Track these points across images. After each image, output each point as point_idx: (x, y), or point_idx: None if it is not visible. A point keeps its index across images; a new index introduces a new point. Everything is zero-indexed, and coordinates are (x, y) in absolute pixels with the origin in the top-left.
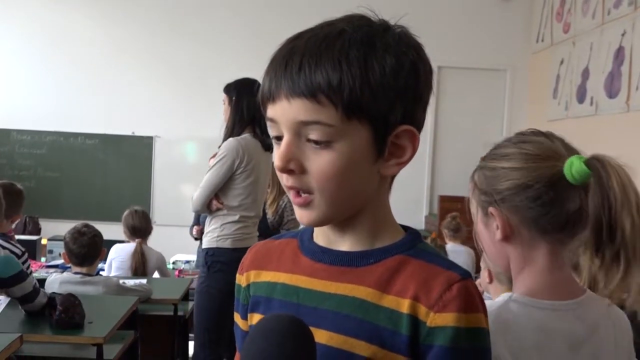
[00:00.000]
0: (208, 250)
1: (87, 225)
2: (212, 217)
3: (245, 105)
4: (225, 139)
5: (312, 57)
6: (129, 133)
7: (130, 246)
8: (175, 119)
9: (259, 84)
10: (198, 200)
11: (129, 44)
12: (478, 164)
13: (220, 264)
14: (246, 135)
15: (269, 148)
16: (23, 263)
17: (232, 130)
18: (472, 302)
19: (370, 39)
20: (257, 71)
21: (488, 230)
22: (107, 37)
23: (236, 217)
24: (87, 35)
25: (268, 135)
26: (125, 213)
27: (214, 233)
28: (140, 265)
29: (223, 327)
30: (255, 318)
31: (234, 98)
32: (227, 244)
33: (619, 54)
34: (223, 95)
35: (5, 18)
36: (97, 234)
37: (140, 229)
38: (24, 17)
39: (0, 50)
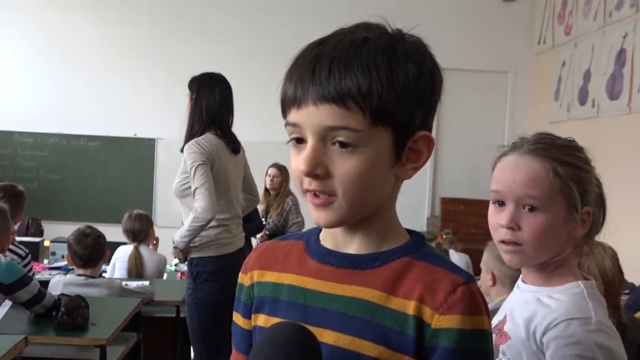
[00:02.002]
0: (192, 260)
1: (90, 227)
2: None
3: (204, 104)
4: (186, 140)
5: (340, 63)
6: (131, 135)
7: (131, 248)
8: (177, 121)
9: (223, 81)
10: (209, 206)
11: (131, 46)
12: (553, 150)
13: (206, 273)
14: (208, 135)
15: (234, 151)
16: (26, 265)
17: (192, 129)
18: (476, 304)
19: (392, 46)
20: (257, 72)
21: (564, 224)
22: (110, 40)
23: (214, 222)
24: (89, 37)
25: (231, 139)
26: (125, 216)
27: (196, 242)
28: (134, 268)
29: (220, 336)
30: (260, 319)
31: (193, 96)
32: (210, 252)
33: (621, 55)
34: (187, 90)
35: (9, 21)
36: (101, 236)
37: (136, 232)
38: (27, 20)
39: (3, 53)
